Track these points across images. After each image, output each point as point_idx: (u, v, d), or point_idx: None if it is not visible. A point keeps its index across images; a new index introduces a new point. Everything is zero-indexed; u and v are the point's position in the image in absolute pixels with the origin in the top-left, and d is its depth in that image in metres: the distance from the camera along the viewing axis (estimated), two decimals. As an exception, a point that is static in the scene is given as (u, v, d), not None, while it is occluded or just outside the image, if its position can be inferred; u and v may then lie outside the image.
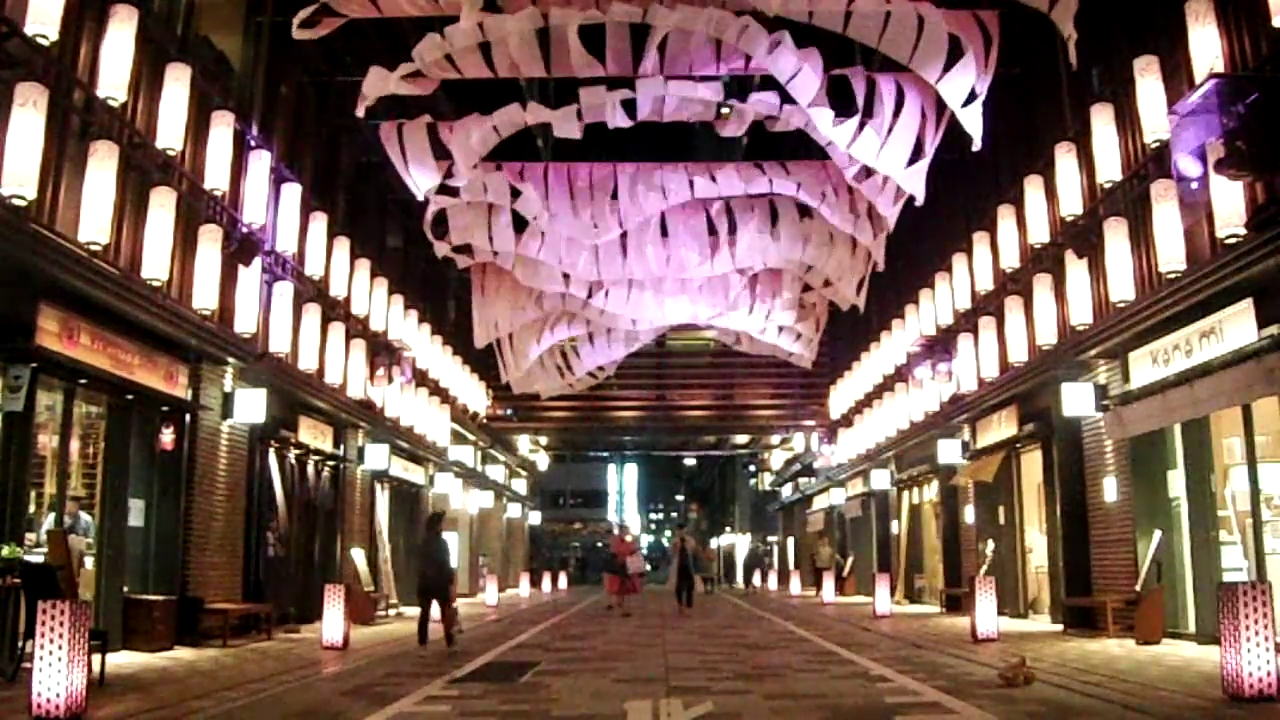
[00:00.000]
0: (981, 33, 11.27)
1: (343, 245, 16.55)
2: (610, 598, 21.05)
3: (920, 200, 13.18)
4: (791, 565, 38.92)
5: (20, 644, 8.28)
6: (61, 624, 6.54)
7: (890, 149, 12.31)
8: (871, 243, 15.53)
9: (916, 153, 12.44)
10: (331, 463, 17.83)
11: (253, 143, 13.48)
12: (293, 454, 16.09)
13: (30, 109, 8.52)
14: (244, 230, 13.01)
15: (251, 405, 13.71)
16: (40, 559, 8.94)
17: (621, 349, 21.11)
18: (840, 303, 17.94)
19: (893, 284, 21.12)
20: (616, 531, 25.42)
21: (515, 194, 14.39)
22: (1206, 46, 9.70)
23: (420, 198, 13.88)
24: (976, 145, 11.57)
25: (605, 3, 11.06)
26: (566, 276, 16.71)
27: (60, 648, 6.51)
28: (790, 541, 42.48)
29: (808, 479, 35.86)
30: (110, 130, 10.12)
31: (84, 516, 10.88)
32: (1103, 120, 12.20)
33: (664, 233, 16.03)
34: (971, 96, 11.33)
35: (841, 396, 27.98)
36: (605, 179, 14.79)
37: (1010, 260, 15.12)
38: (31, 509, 10.17)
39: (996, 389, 16.20)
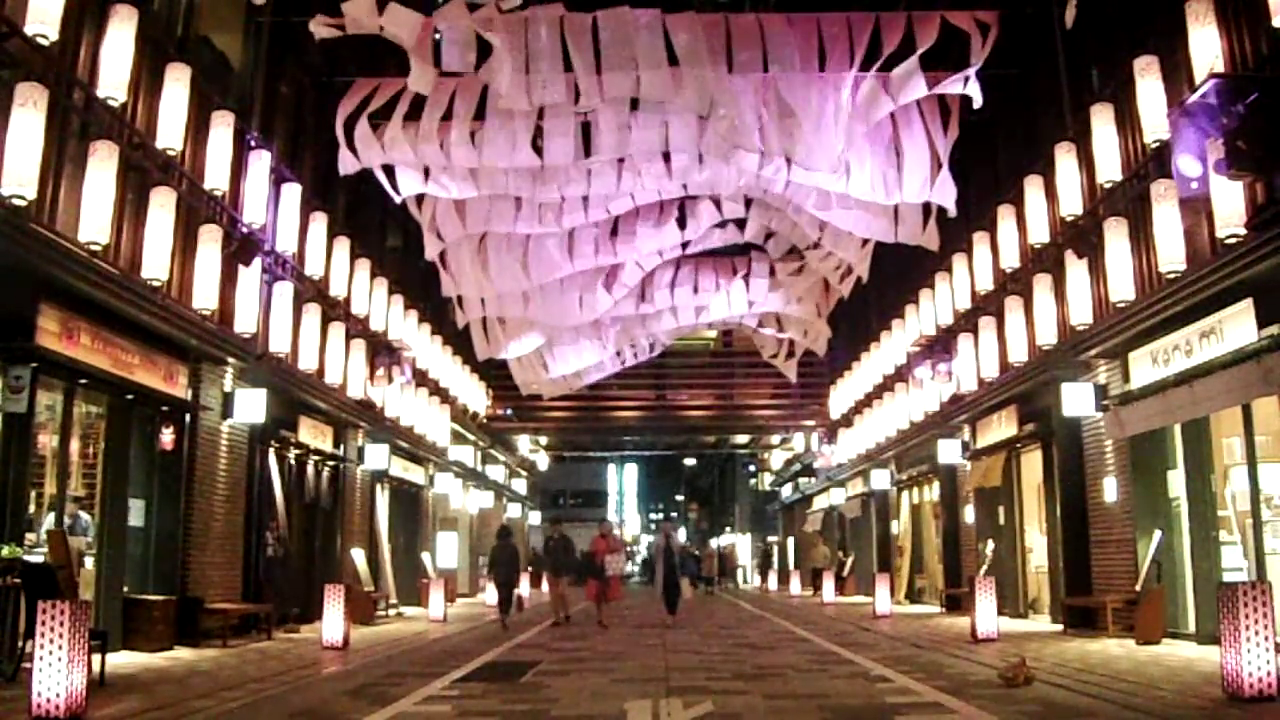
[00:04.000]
0: (979, 27, 11.31)
1: (343, 245, 16.55)
2: (560, 607, 17.16)
3: (953, 212, 13.19)
4: (792, 565, 38.98)
5: (20, 644, 8.27)
6: (61, 624, 6.54)
7: (909, 172, 12.34)
8: (856, 258, 15.64)
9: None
10: (331, 463, 17.83)
11: (253, 143, 13.48)
12: (293, 454, 16.09)
13: (30, 109, 8.51)
14: (244, 230, 13.00)
15: (251, 405, 13.72)
16: (40, 559, 8.93)
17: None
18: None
19: (893, 284, 21.14)
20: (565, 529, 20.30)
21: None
22: (1206, 46, 9.69)
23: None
24: (977, 103, 11.60)
25: None
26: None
27: (60, 648, 6.51)
28: (790, 541, 42.53)
29: (808, 479, 35.89)
30: (110, 130, 10.11)
31: (84, 516, 10.87)
32: (1103, 120, 12.20)
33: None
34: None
35: (841, 396, 27.97)
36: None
37: (1010, 260, 15.12)
38: (31, 509, 10.15)
39: (996, 389, 16.20)
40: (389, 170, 13.37)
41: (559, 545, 17.45)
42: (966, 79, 11.40)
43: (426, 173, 13.43)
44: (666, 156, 13.54)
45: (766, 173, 13.14)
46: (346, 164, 12.81)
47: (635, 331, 20.35)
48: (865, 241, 15.42)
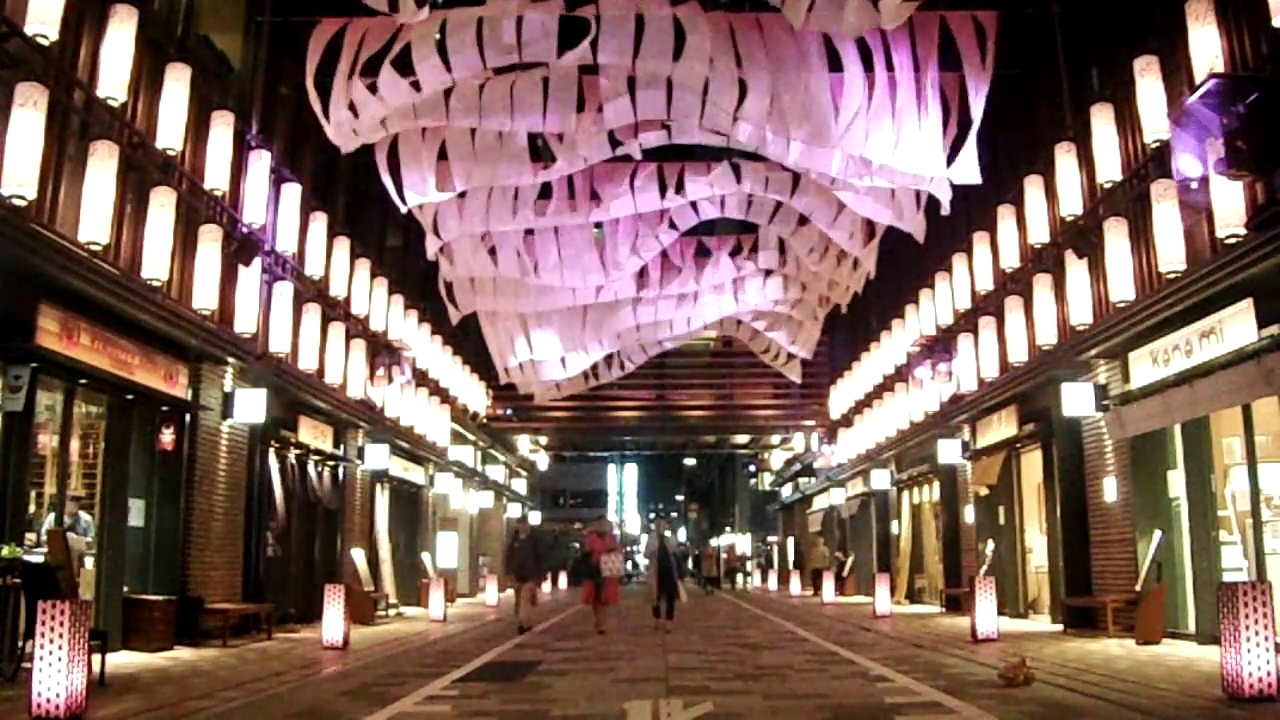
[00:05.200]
0: (978, 38, 11.23)
1: (343, 245, 16.55)
2: (524, 614, 15.29)
3: (946, 210, 13.02)
4: (791, 565, 39.01)
5: (20, 644, 8.28)
6: (61, 624, 6.54)
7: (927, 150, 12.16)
8: (862, 251, 15.50)
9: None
10: (331, 463, 17.83)
11: (253, 143, 13.48)
12: (293, 454, 16.09)
13: (30, 109, 8.51)
14: (244, 230, 13.01)
15: (251, 405, 13.72)
16: (40, 559, 8.94)
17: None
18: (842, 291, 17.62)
19: (893, 284, 21.13)
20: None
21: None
22: (1206, 46, 9.69)
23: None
24: (975, 178, 11.62)
25: None
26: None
27: (60, 648, 6.51)
28: (790, 541, 42.55)
29: (808, 479, 35.90)
30: (110, 130, 10.12)
31: (84, 516, 10.87)
32: (1103, 120, 12.19)
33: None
34: (967, 124, 11.35)
35: (841, 396, 27.98)
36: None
37: (1010, 260, 15.12)
38: (31, 509, 10.16)
39: (996, 389, 16.20)
40: (396, 176, 13.31)
41: (525, 545, 15.64)
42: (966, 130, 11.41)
43: (424, 134, 13.19)
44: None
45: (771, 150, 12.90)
46: (345, 140, 12.38)
47: (629, 337, 20.26)
48: (870, 236, 15.33)
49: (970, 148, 11.53)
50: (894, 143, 11.64)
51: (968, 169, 11.71)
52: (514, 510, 37.56)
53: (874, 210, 14.10)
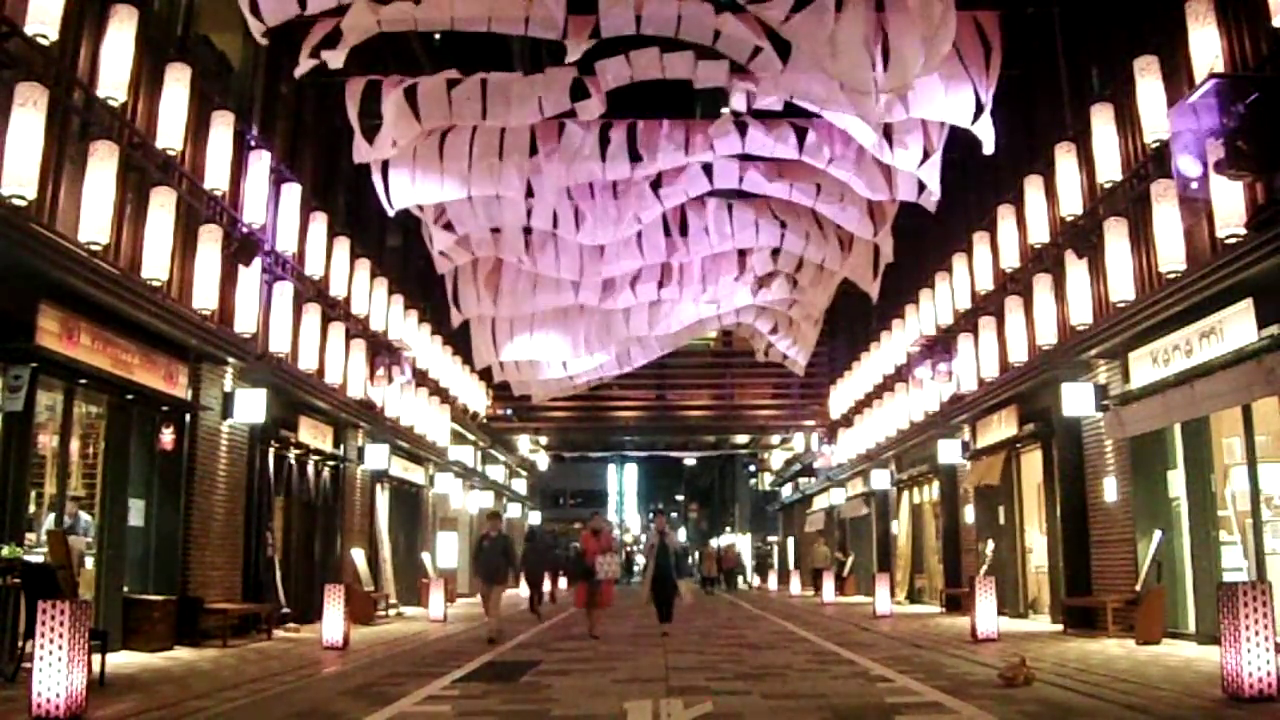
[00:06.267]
0: (982, 42, 11.20)
1: (343, 245, 16.55)
2: (494, 623, 14.10)
3: (936, 196, 13.06)
4: (792, 565, 39.00)
5: (20, 644, 8.28)
6: (61, 624, 6.54)
7: (904, 146, 12.15)
8: (876, 238, 15.44)
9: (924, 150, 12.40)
10: (331, 463, 17.83)
11: (253, 143, 13.48)
12: (293, 454, 16.09)
13: (30, 109, 8.52)
14: (244, 230, 13.01)
15: (251, 405, 13.72)
16: (40, 559, 8.94)
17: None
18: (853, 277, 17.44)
19: (893, 284, 21.10)
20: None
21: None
22: (1206, 46, 9.70)
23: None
24: (989, 149, 11.59)
25: None
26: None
27: (60, 648, 6.51)
28: (790, 541, 42.54)
29: (808, 479, 35.90)
30: (110, 130, 10.12)
31: (84, 516, 10.88)
32: (1103, 120, 12.20)
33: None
34: (979, 108, 11.30)
35: (841, 396, 27.99)
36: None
37: (1010, 260, 15.12)
38: (31, 509, 10.16)
39: (996, 389, 16.20)
40: (385, 174, 13.33)
41: (495, 546, 14.07)
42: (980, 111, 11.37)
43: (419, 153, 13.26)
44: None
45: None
46: (361, 152, 12.80)
47: (622, 331, 20.23)
48: (876, 229, 15.27)
49: (985, 118, 11.48)
50: (907, 100, 11.56)
51: (984, 132, 11.64)
52: (514, 510, 37.54)
53: (873, 190, 14.00)
